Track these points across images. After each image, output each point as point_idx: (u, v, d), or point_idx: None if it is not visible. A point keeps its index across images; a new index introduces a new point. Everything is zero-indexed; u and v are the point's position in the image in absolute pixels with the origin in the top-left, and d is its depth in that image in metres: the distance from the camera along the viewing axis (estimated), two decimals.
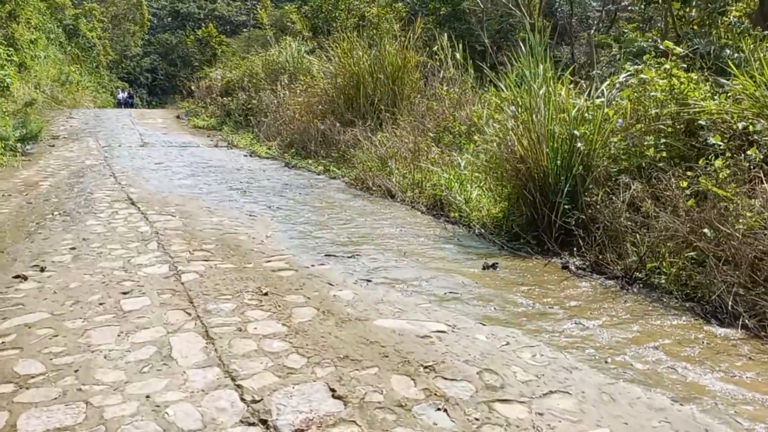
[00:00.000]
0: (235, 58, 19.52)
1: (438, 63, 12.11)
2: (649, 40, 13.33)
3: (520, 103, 5.79)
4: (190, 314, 3.72)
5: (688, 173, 4.63)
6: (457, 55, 12.31)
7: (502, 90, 10.19)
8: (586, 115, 5.63)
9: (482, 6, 15.51)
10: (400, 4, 20.76)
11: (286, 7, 26.08)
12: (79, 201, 7.11)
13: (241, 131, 14.63)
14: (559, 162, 5.44)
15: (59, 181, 8.38)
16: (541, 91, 5.68)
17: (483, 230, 5.96)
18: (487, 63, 13.73)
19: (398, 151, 8.96)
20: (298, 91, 13.44)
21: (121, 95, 38.35)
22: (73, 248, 5.20)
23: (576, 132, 5.39)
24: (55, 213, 6.49)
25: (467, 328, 3.57)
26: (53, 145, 11.88)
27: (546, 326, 3.63)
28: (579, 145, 5.37)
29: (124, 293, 4.10)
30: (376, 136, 9.84)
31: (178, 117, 17.82)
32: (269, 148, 12.21)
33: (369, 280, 4.47)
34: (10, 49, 15.69)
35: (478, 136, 7.96)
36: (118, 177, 8.74)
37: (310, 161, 10.66)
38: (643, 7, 18.84)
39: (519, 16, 19.46)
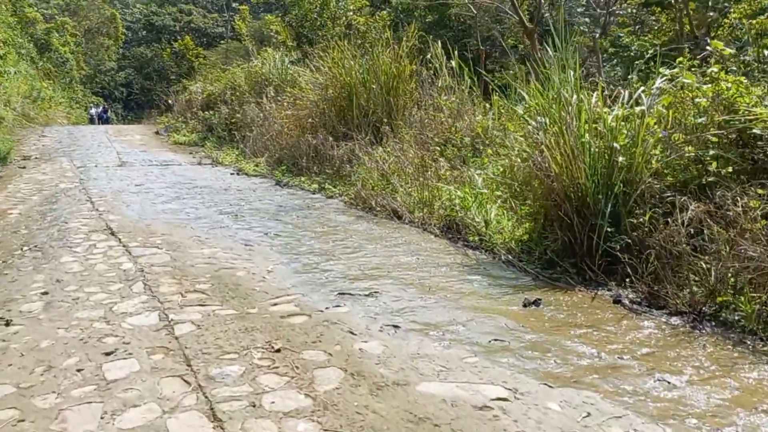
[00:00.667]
0: (215, 71, 18.78)
1: (432, 72, 11.56)
2: (651, 43, 12.94)
3: (550, 112, 5.18)
4: (189, 383, 3.03)
5: (759, 191, 4.05)
6: (453, 63, 11.79)
7: (505, 99, 9.65)
8: (622, 125, 5.05)
9: (474, 12, 14.98)
10: (384, 12, 20.24)
11: (267, 17, 25.41)
12: (52, 232, 6.35)
13: (226, 147, 13.89)
14: (597, 179, 4.84)
15: (30, 209, 7.60)
16: (573, 99, 5.09)
17: (510, 256, 5.33)
18: (483, 70, 13.17)
19: (401, 167, 8.33)
20: (285, 104, 12.75)
21: (95, 110, 36.70)
22: (45, 293, 4.47)
23: (616, 144, 4.80)
24: (25, 248, 5.73)
25: (532, 392, 2.92)
26: (24, 167, 11.04)
27: (625, 386, 3.00)
28: (620, 159, 4.79)
29: (107, 354, 3.39)
30: (375, 150, 9.19)
31: (157, 133, 17.01)
32: (257, 165, 11.51)
33: (397, 326, 3.81)
34: None
35: (491, 149, 7.37)
36: (95, 202, 7.97)
37: (302, 179, 9.97)
38: (634, 11, 18.49)
39: (515, 21, 19.03)
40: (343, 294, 4.46)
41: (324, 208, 7.97)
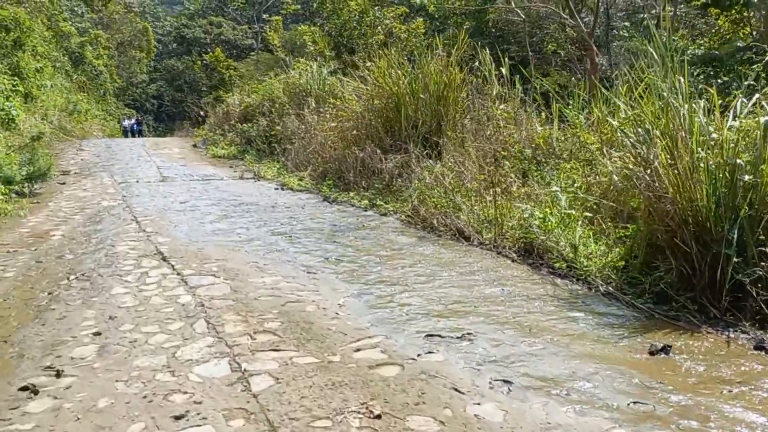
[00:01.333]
0: (252, 82, 18.46)
1: (481, 80, 11.00)
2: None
3: (658, 124, 4.57)
4: None
5: None
6: (503, 70, 11.23)
7: (570, 108, 9.02)
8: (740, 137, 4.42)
9: (523, 17, 14.39)
10: (419, 20, 19.76)
11: (300, 27, 25.12)
12: (99, 257, 5.92)
13: (266, 160, 13.48)
14: (718, 200, 4.21)
15: (73, 230, 7.20)
16: (683, 110, 4.48)
17: (611, 288, 4.71)
18: (532, 76, 12.58)
19: (461, 182, 7.76)
20: (327, 115, 12.30)
21: (128, 122, 36.76)
22: (98, 333, 3.99)
23: (740, 161, 4.18)
24: (71, 277, 5.28)
25: None
26: (64, 183, 10.74)
27: None
28: (745, 177, 4.16)
29: (177, 418, 2.88)
30: (428, 163, 8.65)
31: (194, 146, 16.72)
32: (301, 180, 11.04)
33: (508, 382, 3.23)
34: (15, 78, 14.69)
35: (569, 163, 6.77)
36: (141, 222, 7.56)
37: (351, 194, 9.46)
38: (682, 13, 17.71)
39: (557, 27, 18.39)
40: (432, 336, 3.90)
41: (380, 227, 7.43)
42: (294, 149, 12.55)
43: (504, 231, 6.39)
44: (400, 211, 8.12)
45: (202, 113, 45.08)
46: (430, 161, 9.73)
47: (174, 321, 4.20)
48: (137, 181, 10.97)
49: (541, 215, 5.95)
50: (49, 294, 4.87)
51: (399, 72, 10.79)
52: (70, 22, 35.94)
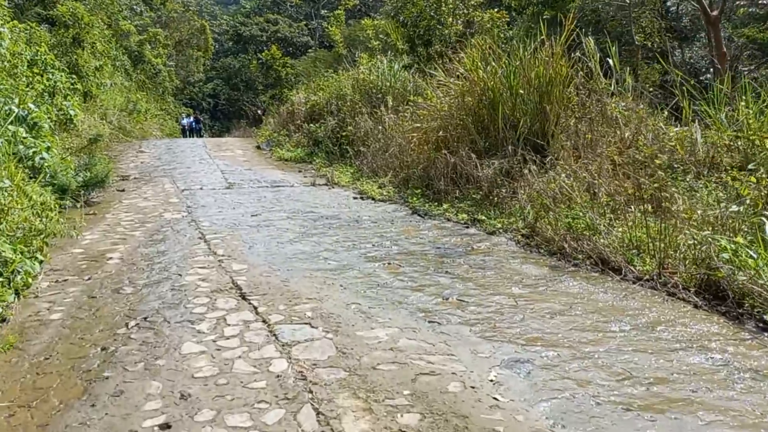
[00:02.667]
0: (317, 79, 17.39)
1: (583, 73, 9.54)
2: None
3: None
4: None
5: None
6: (611, 62, 9.75)
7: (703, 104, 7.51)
8: None
9: (626, 1, 12.77)
10: (493, 10, 18.26)
11: (363, 21, 23.95)
12: (163, 292, 4.79)
13: (337, 164, 12.31)
14: None
15: (133, 251, 6.14)
16: None
17: None
18: (637, 69, 10.93)
19: (595, 195, 6.37)
20: (407, 114, 11.03)
21: (186, 120, 36.05)
22: (167, 427, 2.82)
23: None
24: (131, 324, 4.16)
25: None
26: (123, 190, 9.81)
27: None
28: None
29: None
30: (544, 171, 7.27)
31: (258, 147, 15.72)
32: (381, 187, 9.80)
33: None
34: (74, 76, 13.99)
35: (728, 174, 5.29)
36: (210, 241, 6.45)
37: (444, 206, 8.16)
38: None
39: (646, 16, 16.67)
40: None
41: (494, 251, 6.09)
42: (369, 152, 11.32)
43: (667, 262, 4.98)
44: (512, 230, 6.77)
45: (259, 112, 44.74)
46: (533, 167, 8.38)
47: (269, 407, 2.99)
48: (201, 188, 9.95)
49: (728, 245, 4.50)
50: (102, 350, 3.74)
51: (495, 64, 9.43)
52: (129, 21, 35.86)
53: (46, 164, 8.69)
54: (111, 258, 5.90)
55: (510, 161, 8.66)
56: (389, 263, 5.60)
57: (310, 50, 45.96)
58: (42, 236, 5.70)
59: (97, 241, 6.59)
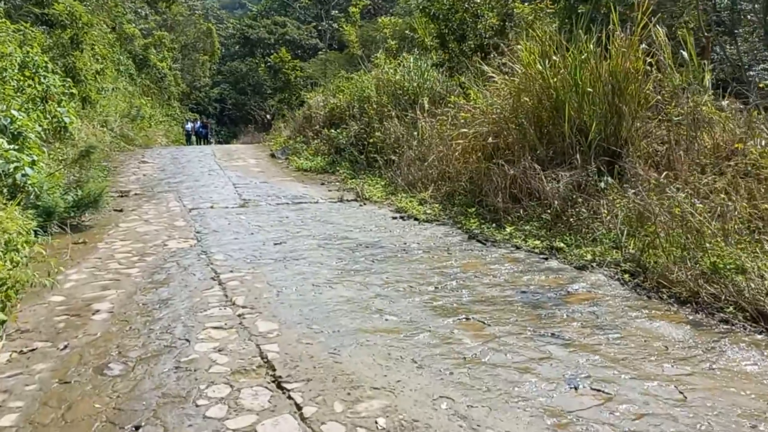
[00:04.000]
0: (336, 80, 15.97)
1: (655, 68, 8.14)
2: None
3: None
4: None
5: None
6: (684, 54, 8.38)
7: None
8: None
9: None
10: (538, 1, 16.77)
11: (381, 20, 22.55)
12: (164, 374, 3.37)
13: (364, 175, 10.88)
14: None
15: (127, 300, 4.72)
16: None
17: None
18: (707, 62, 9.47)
19: (723, 220, 4.93)
20: (448, 117, 9.59)
21: (191, 125, 34.15)
22: None
23: None
24: None
25: None
26: (121, 210, 8.41)
27: None
28: None
29: None
30: (628, 184, 5.84)
31: (272, 156, 14.30)
32: (422, 204, 8.37)
33: None
34: (68, 80, 12.62)
35: None
36: (226, 284, 5.03)
37: (508, 230, 6.71)
38: None
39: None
40: None
41: (600, 297, 4.63)
42: (403, 161, 9.89)
43: None
44: (607, 264, 5.32)
45: (268, 116, 43.43)
46: (610, 179, 6.96)
47: None
48: (212, 207, 8.53)
49: None
50: None
51: (557, 58, 7.99)
52: (134, 25, 34.64)
53: (29, 182, 7.31)
54: (98, 311, 4.49)
55: (581, 173, 7.22)
56: (467, 318, 4.16)
57: (320, 52, 44.63)
58: (4, 288, 4.29)
59: (84, 283, 5.17)
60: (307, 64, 42.97)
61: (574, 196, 6.87)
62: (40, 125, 10.33)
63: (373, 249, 6.18)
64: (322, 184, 10.72)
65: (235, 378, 3.30)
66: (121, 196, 9.58)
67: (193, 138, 32.78)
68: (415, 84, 12.82)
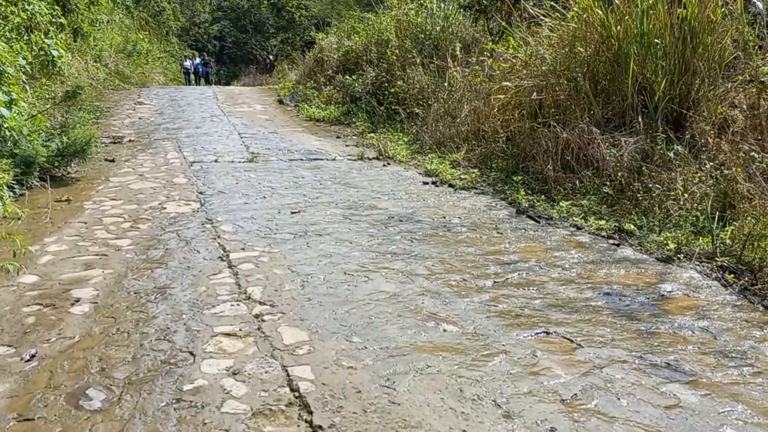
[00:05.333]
0: (351, 20, 14.66)
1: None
2: None
3: None
4: None
5: None
6: (759, 4, 7.34)
7: None
8: None
9: None
10: None
11: None
12: (164, 418, 2.48)
13: (384, 129, 9.84)
14: None
15: (115, 287, 3.81)
16: None
17: None
18: None
19: None
20: (484, 68, 8.49)
21: (190, 62, 31.32)
22: None
23: None
24: None
25: None
26: (113, 160, 7.41)
27: None
28: None
29: None
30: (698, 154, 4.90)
31: (280, 102, 13.14)
32: (454, 167, 7.39)
33: None
34: (57, 8, 11.36)
35: None
36: (238, 267, 4.11)
37: (563, 204, 5.76)
38: None
39: None
40: None
41: (705, 307, 3.72)
42: (430, 116, 8.84)
43: None
44: (698, 256, 4.40)
45: (271, 57, 41.71)
46: (679, 148, 5.97)
47: None
48: (216, 161, 7.53)
49: None
50: None
51: (619, 1, 6.87)
52: None
53: (5, 125, 6.29)
54: (78, 301, 3.57)
55: (645, 139, 6.24)
56: (547, 333, 3.26)
57: None
58: None
59: (63, 258, 4.25)
60: (312, 2, 40.99)
61: (640, 167, 5.91)
62: (24, 58, 9.18)
63: (409, 224, 5.24)
64: (338, 137, 9.68)
65: (258, 426, 2.41)
66: (114, 143, 8.55)
67: (192, 77, 30.85)
68: (438, 28, 11.65)
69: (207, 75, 31.96)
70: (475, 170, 7.09)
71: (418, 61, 10.16)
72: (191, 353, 2.97)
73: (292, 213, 5.44)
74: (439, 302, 3.63)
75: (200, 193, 6.03)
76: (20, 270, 3.46)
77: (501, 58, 8.34)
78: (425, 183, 6.82)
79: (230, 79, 44.44)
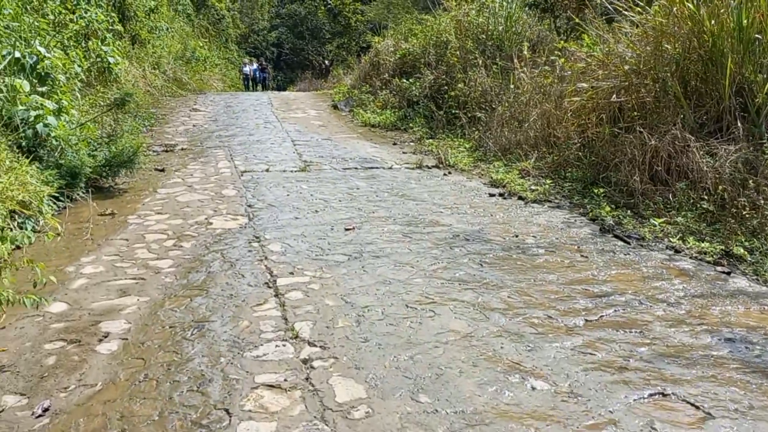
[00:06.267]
0: (407, 22, 14.14)
1: None
2: None
3: None
4: None
5: None
6: None
7: None
8: None
9: None
10: None
11: None
12: None
13: (443, 134, 9.26)
14: None
15: (149, 320, 3.37)
16: None
17: None
18: None
19: None
20: (556, 69, 7.80)
21: (248, 68, 31.36)
22: None
23: None
24: None
25: None
26: (163, 170, 7.11)
27: None
28: None
29: None
30: None
31: (335, 107, 12.74)
32: (523, 176, 6.74)
33: None
34: (113, 15, 11.25)
35: None
36: (285, 296, 3.61)
37: (655, 222, 5.04)
38: None
39: None
40: None
41: None
42: (494, 120, 8.20)
43: None
44: None
45: (326, 62, 41.73)
46: None
47: None
48: (267, 170, 7.12)
49: None
50: None
51: None
52: None
53: (52, 134, 6.04)
54: (107, 336, 3.15)
55: (748, 147, 5.44)
56: (663, 394, 2.61)
57: None
58: None
59: (98, 282, 3.85)
60: (368, 7, 40.78)
61: (745, 179, 5.13)
62: (79, 65, 9.06)
63: (476, 243, 4.65)
64: (395, 143, 9.15)
65: None
66: (166, 151, 8.28)
67: (250, 82, 30.93)
68: (501, 28, 11.00)
69: (264, 80, 32.06)
70: (548, 181, 6.43)
71: (480, 62, 9.53)
72: (227, 411, 2.48)
73: (347, 230, 4.93)
74: (522, 347, 3.03)
75: (249, 206, 5.60)
76: (39, 304, 3.06)
77: (573, 58, 7.64)
78: (492, 195, 6.19)
79: (287, 84, 44.73)
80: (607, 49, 7.22)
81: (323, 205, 5.66)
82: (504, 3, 11.80)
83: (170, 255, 4.34)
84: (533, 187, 6.31)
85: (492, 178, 6.79)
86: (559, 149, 6.97)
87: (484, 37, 10.92)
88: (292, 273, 3.98)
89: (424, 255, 4.37)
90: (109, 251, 4.42)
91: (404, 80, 11.36)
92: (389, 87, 11.79)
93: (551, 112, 7.31)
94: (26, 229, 4.72)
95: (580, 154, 6.62)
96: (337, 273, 4.00)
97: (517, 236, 4.86)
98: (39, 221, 4.93)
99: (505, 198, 6.09)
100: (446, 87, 10.05)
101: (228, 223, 5.12)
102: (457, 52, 10.22)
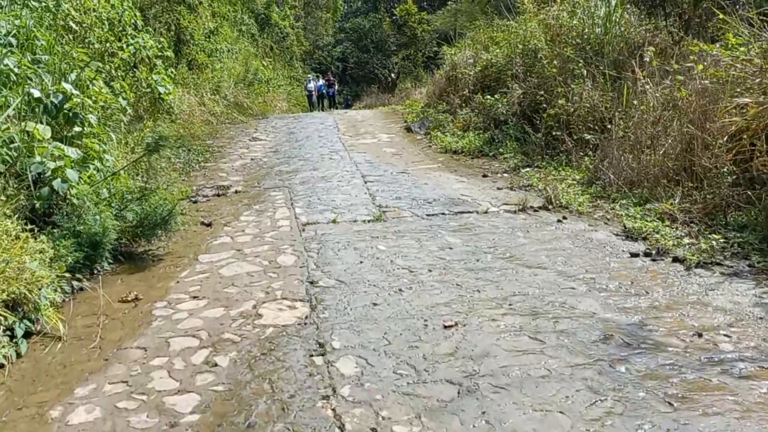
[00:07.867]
0: (488, 30, 12.61)
1: None
2: None
3: None
4: None
5: None
6: None
7: None
8: None
9: None
10: None
11: None
12: None
13: (542, 162, 7.68)
14: None
15: None
16: None
17: None
18: None
19: None
20: (692, 77, 6.10)
21: (313, 84, 28.59)
22: None
23: None
24: None
25: None
26: (209, 225, 5.89)
27: None
28: None
29: None
30: None
31: (408, 129, 11.36)
32: (663, 220, 5.10)
33: None
34: (162, 40, 10.21)
35: None
36: None
37: None
38: None
39: None
40: None
41: None
42: (613, 145, 6.56)
43: None
44: None
45: (393, 75, 40.57)
46: None
47: None
48: (334, 221, 5.75)
49: None
50: None
51: None
52: None
53: (73, 191, 4.90)
54: None
55: None
56: None
57: (449, 2, 40.77)
58: None
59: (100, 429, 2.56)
60: (434, 16, 39.44)
61: None
62: (124, 98, 8.05)
63: (644, 353, 3.09)
64: (485, 175, 7.63)
65: None
66: (218, 195, 7.11)
67: (315, 99, 28.72)
68: (599, 30, 9.34)
69: (333, 96, 30.17)
70: (714, 235, 4.74)
71: (584, 73, 7.90)
72: None
73: (446, 327, 3.48)
74: None
75: (311, 282, 4.25)
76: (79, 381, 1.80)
77: (717, 64, 5.93)
78: (634, 255, 4.58)
79: (353, 99, 43.91)
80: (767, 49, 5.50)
81: (409, 280, 4.23)
82: (598, 1, 10.14)
83: (197, 384, 3.01)
84: (688, 241, 4.67)
85: (625, 225, 5.17)
86: (709, 185, 5.28)
87: (580, 41, 9.28)
88: (374, 430, 2.56)
89: (571, 382, 2.86)
90: (116, 375, 3.14)
91: (488, 96, 9.84)
92: (470, 104, 10.30)
93: (695, 135, 5.62)
94: (18, 335, 3.54)
95: (748, 192, 4.93)
96: (446, 428, 2.54)
97: (700, 336, 3.27)
98: (39, 318, 3.74)
99: (654, 260, 4.47)
100: (543, 103, 8.46)
101: (283, 314, 3.78)
102: (554, 61, 8.61)
